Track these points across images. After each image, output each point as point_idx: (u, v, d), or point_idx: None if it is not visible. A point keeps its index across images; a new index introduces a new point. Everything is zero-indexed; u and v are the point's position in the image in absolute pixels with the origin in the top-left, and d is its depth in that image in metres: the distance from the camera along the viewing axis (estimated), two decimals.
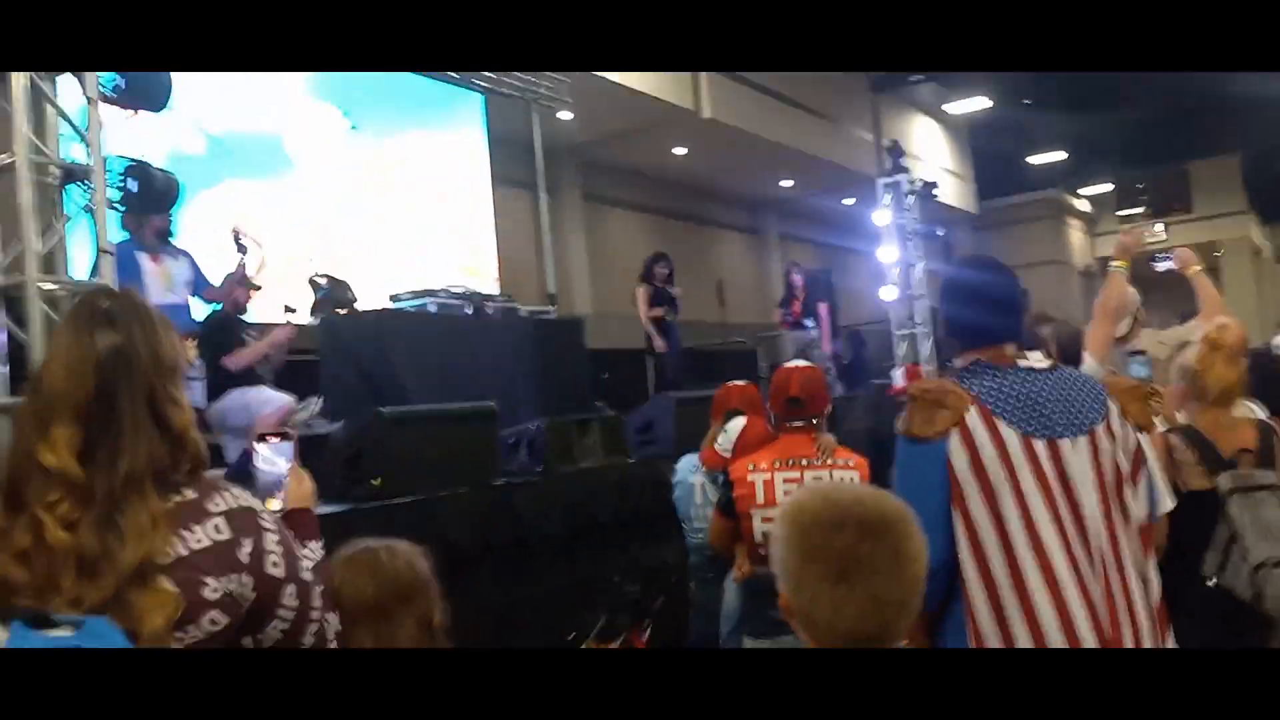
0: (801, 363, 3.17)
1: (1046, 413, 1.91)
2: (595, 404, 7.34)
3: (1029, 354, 2.07)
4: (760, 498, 2.82)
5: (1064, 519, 1.85)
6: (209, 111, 7.61)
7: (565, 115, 11.43)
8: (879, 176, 10.38)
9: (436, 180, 9.72)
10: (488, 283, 9.09)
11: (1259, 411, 3.07)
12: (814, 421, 2.94)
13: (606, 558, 4.49)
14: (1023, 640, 1.80)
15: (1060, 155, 22.20)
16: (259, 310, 5.57)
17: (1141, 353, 3.47)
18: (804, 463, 2.85)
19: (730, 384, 3.73)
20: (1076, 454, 1.89)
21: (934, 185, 10.53)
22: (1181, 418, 2.90)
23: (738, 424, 3.28)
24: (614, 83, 11.17)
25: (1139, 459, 1.99)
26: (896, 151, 10.42)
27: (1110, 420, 1.95)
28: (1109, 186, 26.96)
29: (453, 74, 8.32)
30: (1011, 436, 1.87)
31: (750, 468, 2.88)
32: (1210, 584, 2.57)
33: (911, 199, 10.17)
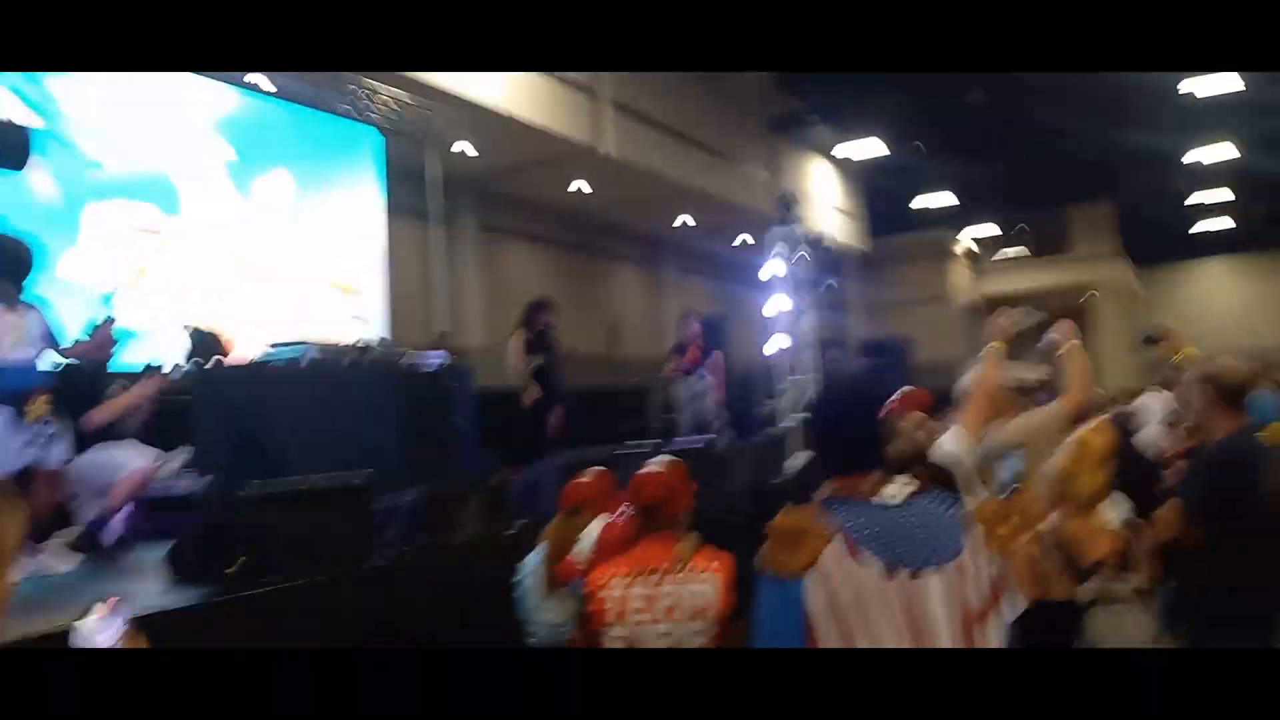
0: (660, 463, 2.92)
1: (908, 543, 1.90)
2: (484, 453, 7.24)
3: (896, 479, 2.07)
4: (611, 616, 2.65)
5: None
6: (95, 147, 7.23)
7: (464, 148, 11.31)
8: (771, 226, 10.52)
9: (327, 221, 9.41)
10: (373, 327, 8.78)
11: (1122, 509, 3.16)
12: (674, 525, 2.80)
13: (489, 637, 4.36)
14: None
15: (948, 197, 22.95)
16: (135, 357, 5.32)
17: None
18: (657, 576, 2.67)
19: (580, 480, 3.47)
20: (937, 587, 1.89)
21: (822, 238, 10.72)
22: (1050, 520, 2.93)
23: (594, 529, 3.06)
24: (513, 117, 11.10)
25: (997, 589, 2.00)
26: (787, 202, 10.57)
27: (972, 550, 1.95)
28: (993, 228, 28.04)
29: (350, 108, 8.08)
30: (872, 572, 1.85)
31: (607, 578, 2.70)
32: None
33: (802, 249, 10.34)
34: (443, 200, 10.66)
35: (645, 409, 11.31)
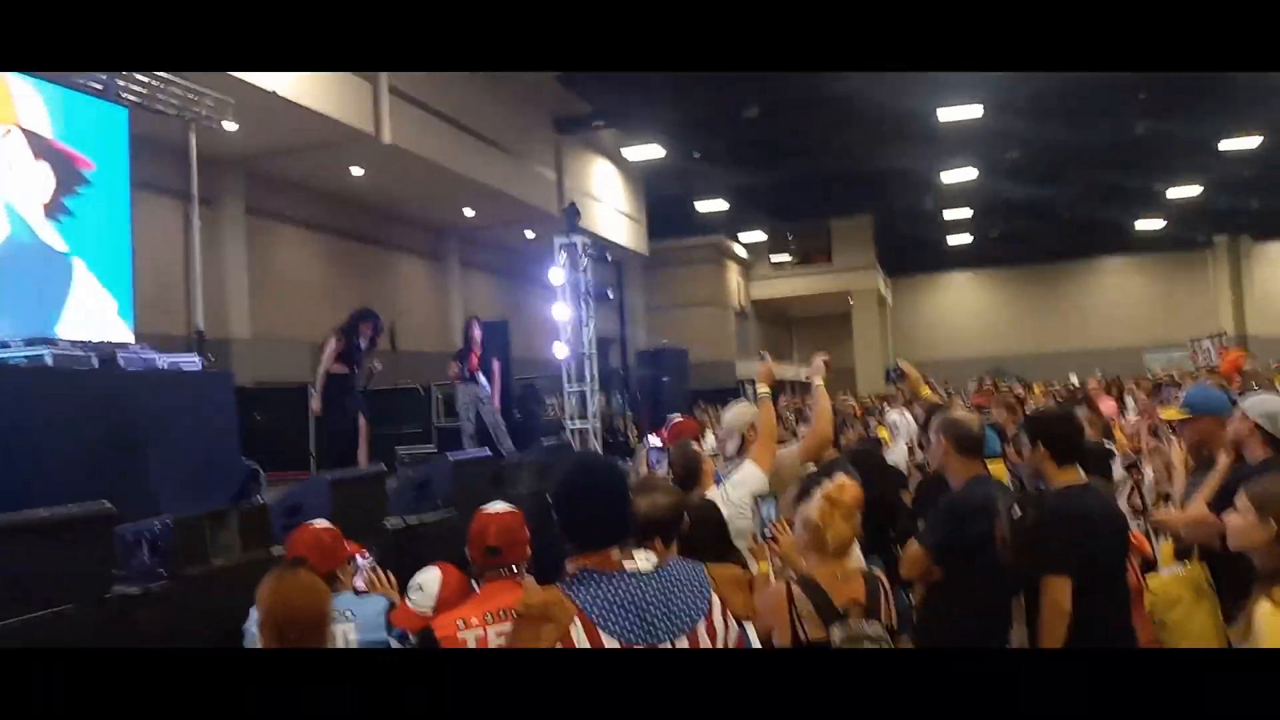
0: (500, 507, 2.92)
1: (648, 618, 1.98)
2: (244, 461, 6.80)
3: (636, 554, 2.11)
4: None
5: None
6: None
7: (230, 126, 10.58)
8: (556, 236, 10.53)
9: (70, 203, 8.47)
10: (119, 327, 7.93)
11: (863, 562, 3.37)
12: (516, 569, 2.83)
13: None
14: None
15: (722, 204, 23.85)
16: None
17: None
18: (515, 614, 2.73)
19: (307, 530, 3.25)
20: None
21: (606, 249, 10.85)
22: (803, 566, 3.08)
23: (432, 577, 2.94)
24: (285, 99, 10.51)
25: (742, 641, 2.16)
26: (572, 212, 10.64)
27: (712, 616, 2.06)
28: (762, 235, 29.42)
29: (96, 85, 7.31)
30: (612, 648, 1.92)
31: (460, 624, 2.68)
32: None
33: (585, 261, 10.43)
34: (199, 175, 9.94)
35: (426, 412, 11.06)
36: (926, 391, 4.62)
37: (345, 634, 2.93)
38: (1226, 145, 20.04)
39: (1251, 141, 19.65)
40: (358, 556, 3.35)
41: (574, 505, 2.12)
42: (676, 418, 4.64)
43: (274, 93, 10.25)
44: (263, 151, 12.43)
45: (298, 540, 3.18)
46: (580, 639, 1.90)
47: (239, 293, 13.01)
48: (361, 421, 7.76)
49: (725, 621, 2.08)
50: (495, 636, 2.65)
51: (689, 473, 3.92)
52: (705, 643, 2.01)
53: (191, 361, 6.48)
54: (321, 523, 3.29)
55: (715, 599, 2.07)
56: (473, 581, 2.95)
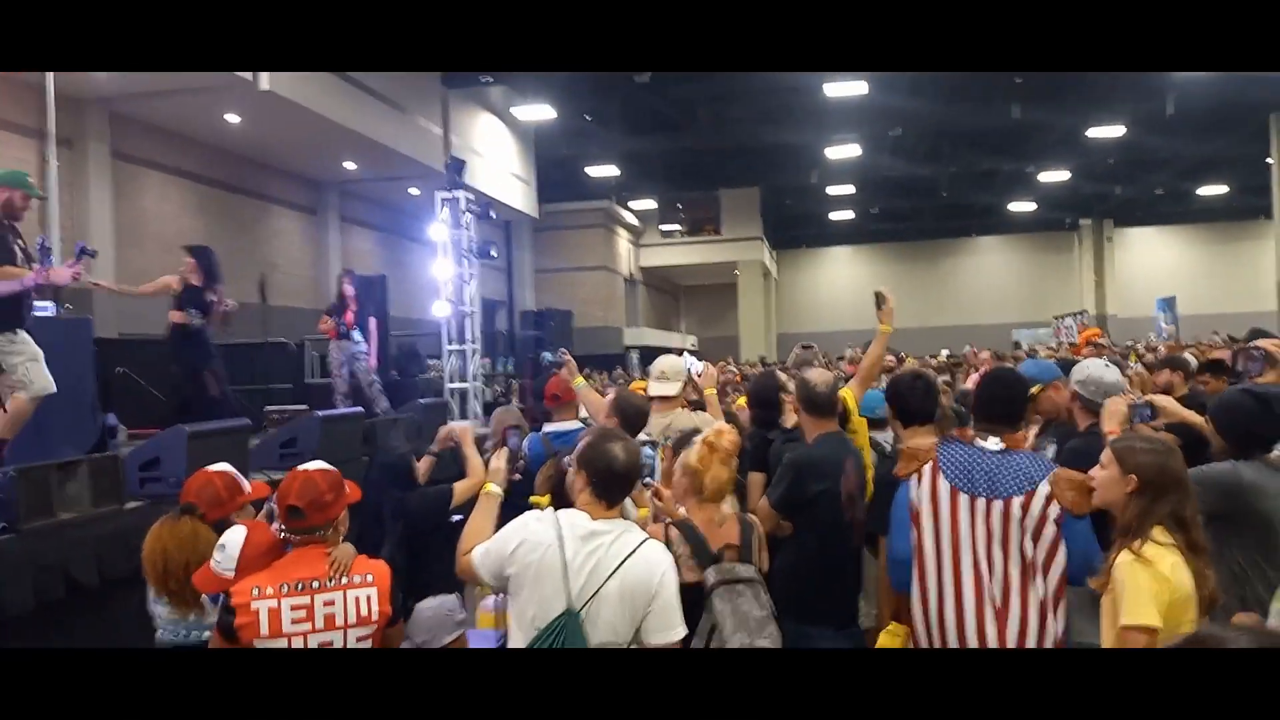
0: (315, 465, 2.72)
1: (975, 478, 2.91)
2: (101, 414, 6.50)
3: (989, 438, 3.00)
4: (265, 629, 2.48)
5: (964, 552, 2.88)
6: None
7: None
8: (437, 191, 10.32)
9: None
10: None
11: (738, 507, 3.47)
12: (323, 533, 2.63)
13: (96, 630, 3.97)
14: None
15: (613, 170, 23.79)
16: None
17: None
18: (314, 585, 2.55)
19: (201, 476, 3.03)
20: (988, 510, 2.86)
21: (490, 205, 10.68)
22: (682, 512, 3.16)
23: (237, 537, 2.68)
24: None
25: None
26: (455, 166, 10.41)
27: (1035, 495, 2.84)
28: (653, 204, 29.52)
29: None
30: (943, 486, 2.93)
31: (255, 591, 2.51)
32: None
33: (469, 217, 10.25)
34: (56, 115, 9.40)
35: (298, 369, 10.75)
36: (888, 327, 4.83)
37: None
38: (1093, 133, 20.99)
39: (1116, 130, 20.65)
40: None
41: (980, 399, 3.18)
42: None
43: None
44: (130, 93, 11.78)
45: (189, 487, 3.02)
46: (927, 475, 2.99)
47: (103, 240, 12.33)
48: (210, 376, 6.93)
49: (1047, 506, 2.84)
50: (290, 610, 2.50)
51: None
52: (1015, 512, 2.85)
53: (45, 308, 6.16)
54: (218, 467, 3.10)
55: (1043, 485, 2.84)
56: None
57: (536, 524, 2.56)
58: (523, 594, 2.50)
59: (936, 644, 2.91)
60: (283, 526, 2.62)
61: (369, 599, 2.60)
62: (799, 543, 3.47)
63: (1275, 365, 4.22)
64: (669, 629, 2.50)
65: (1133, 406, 3.37)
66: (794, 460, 3.53)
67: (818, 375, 3.68)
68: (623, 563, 2.47)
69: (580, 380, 4.67)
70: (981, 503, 2.89)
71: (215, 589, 2.63)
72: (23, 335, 4.94)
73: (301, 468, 2.69)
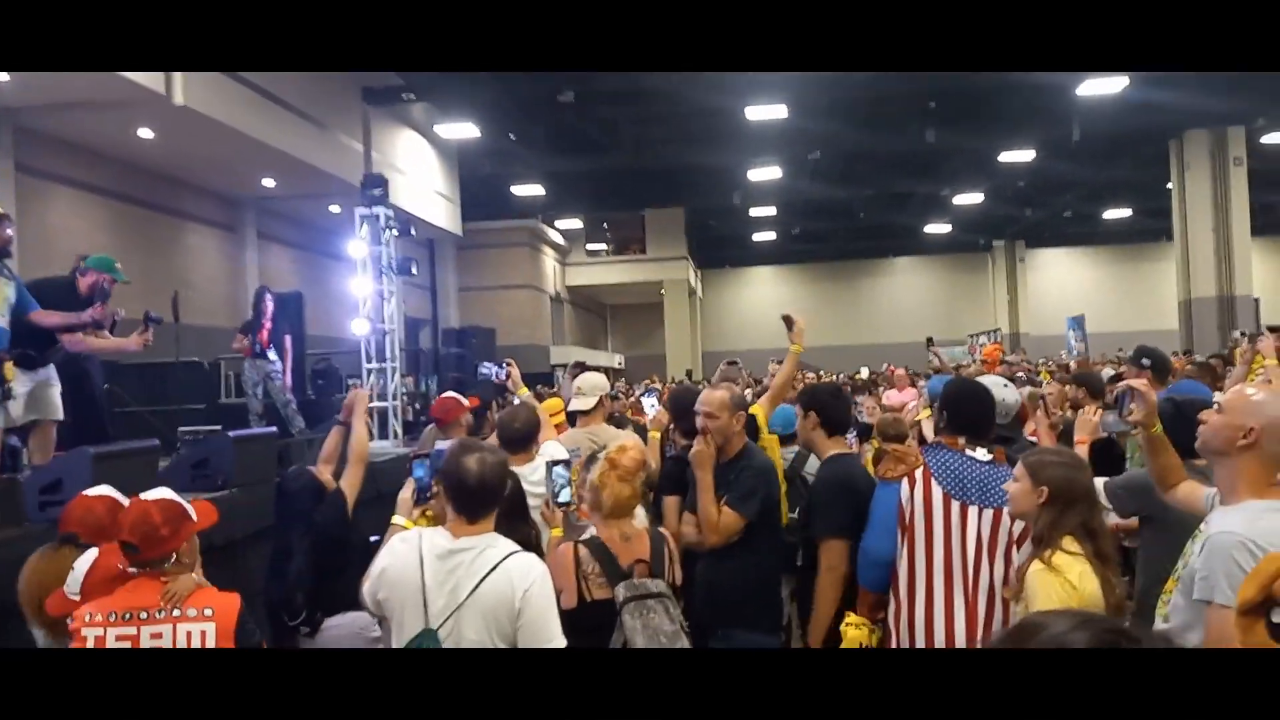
0: (159, 494, 2.62)
1: (968, 486, 3.03)
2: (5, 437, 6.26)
3: (978, 448, 3.14)
4: None
5: (955, 559, 2.99)
6: None
7: None
8: (356, 207, 10.20)
9: None
10: None
11: (647, 521, 3.52)
12: (162, 565, 2.55)
13: None
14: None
15: (539, 189, 23.78)
16: None
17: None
18: (143, 616, 2.46)
19: (79, 501, 2.91)
20: (979, 519, 3.00)
21: (411, 222, 10.58)
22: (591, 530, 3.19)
23: (85, 561, 2.59)
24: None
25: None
26: (374, 182, 10.31)
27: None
28: (579, 223, 29.59)
29: None
30: (937, 492, 3.03)
31: (87, 618, 2.45)
32: None
33: (389, 234, 10.15)
34: None
35: (212, 389, 10.49)
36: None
37: None
38: (1005, 158, 21.71)
39: (1026, 155, 21.38)
40: None
41: (953, 405, 3.31)
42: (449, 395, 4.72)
43: None
44: (37, 105, 11.43)
45: (68, 515, 2.90)
46: (919, 480, 3.05)
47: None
48: (95, 390, 6.62)
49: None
50: (115, 640, 2.42)
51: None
52: (1005, 522, 3.00)
53: None
54: (98, 491, 2.97)
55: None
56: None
57: (401, 545, 2.58)
58: (393, 618, 2.53)
59: (919, 644, 3.00)
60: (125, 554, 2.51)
61: (204, 633, 2.49)
62: (752, 549, 3.51)
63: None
64: (543, 643, 2.47)
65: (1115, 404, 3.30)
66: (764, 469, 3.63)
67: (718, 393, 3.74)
68: (483, 579, 2.46)
69: (525, 390, 4.70)
70: (974, 510, 3.00)
71: (62, 612, 2.53)
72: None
73: (143, 496, 2.59)
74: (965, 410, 3.28)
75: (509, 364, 4.97)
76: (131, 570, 2.53)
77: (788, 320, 4.48)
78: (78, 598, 2.52)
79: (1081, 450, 3.68)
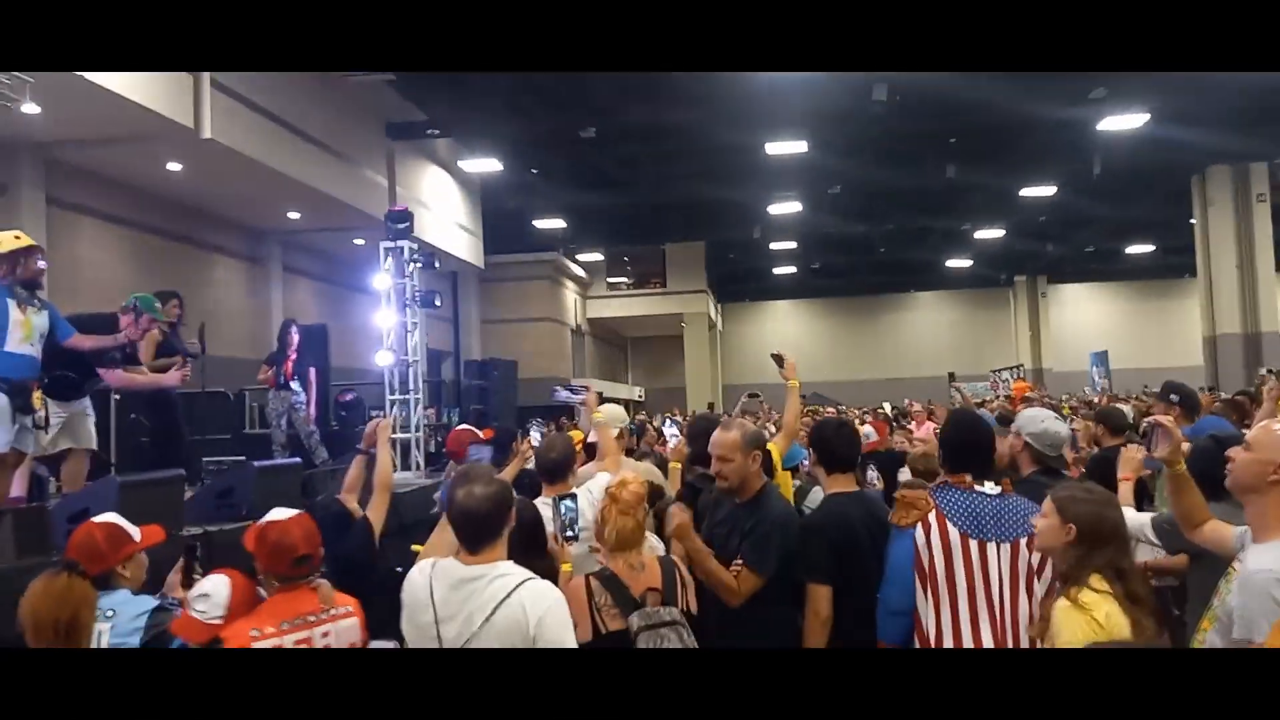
0: (287, 513, 2.82)
1: (983, 522, 2.99)
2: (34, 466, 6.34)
3: (986, 483, 3.09)
4: None
5: (979, 598, 2.94)
6: None
7: (31, 109, 9.89)
8: (381, 240, 10.31)
9: None
10: None
11: (660, 550, 3.51)
12: (309, 578, 2.78)
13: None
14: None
15: (560, 223, 23.96)
16: None
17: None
18: (311, 619, 2.69)
19: (84, 528, 2.99)
20: (999, 554, 2.97)
21: (434, 257, 10.68)
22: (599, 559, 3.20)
23: (221, 585, 2.72)
24: (93, 84, 9.90)
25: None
26: (399, 216, 10.43)
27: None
28: (600, 256, 29.77)
29: None
30: (954, 533, 2.98)
31: (255, 633, 2.59)
32: None
33: (413, 267, 10.25)
34: None
35: (237, 419, 10.57)
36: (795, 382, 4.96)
37: (101, 634, 2.78)
38: (1026, 193, 21.69)
39: (1048, 190, 21.37)
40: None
41: (955, 440, 3.28)
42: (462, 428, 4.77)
43: (80, 75, 9.65)
44: (68, 138, 11.66)
45: (71, 541, 2.97)
46: (933, 523, 3.00)
47: None
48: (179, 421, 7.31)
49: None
50: (293, 644, 2.61)
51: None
52: (1024, 553, 2.98)
53: None
54: (103, 518, 3.05)
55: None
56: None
57: (416, 576, 2.66)
58: (412, 645, 2.62)
59: None
60: (282, 575, 2.74)
61: (355, 628, 2.80)
62: (766, 601, 3.41)
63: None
64: None
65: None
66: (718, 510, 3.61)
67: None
68: (496, 608, 2.49)
69: (599, 414, 4.71)
70: (992, 546, 2.97)
71: (204, 636, 2.63)
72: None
73: (277, 517, 2.80)
74: (963, 441, 3.24)
75: (587, 387, 5.05)
76: (275, 583, 2.75)
77: (777, 359, 4.54)
78: (218, 622, 2.64)
79: (1125, 488, 3.62)
